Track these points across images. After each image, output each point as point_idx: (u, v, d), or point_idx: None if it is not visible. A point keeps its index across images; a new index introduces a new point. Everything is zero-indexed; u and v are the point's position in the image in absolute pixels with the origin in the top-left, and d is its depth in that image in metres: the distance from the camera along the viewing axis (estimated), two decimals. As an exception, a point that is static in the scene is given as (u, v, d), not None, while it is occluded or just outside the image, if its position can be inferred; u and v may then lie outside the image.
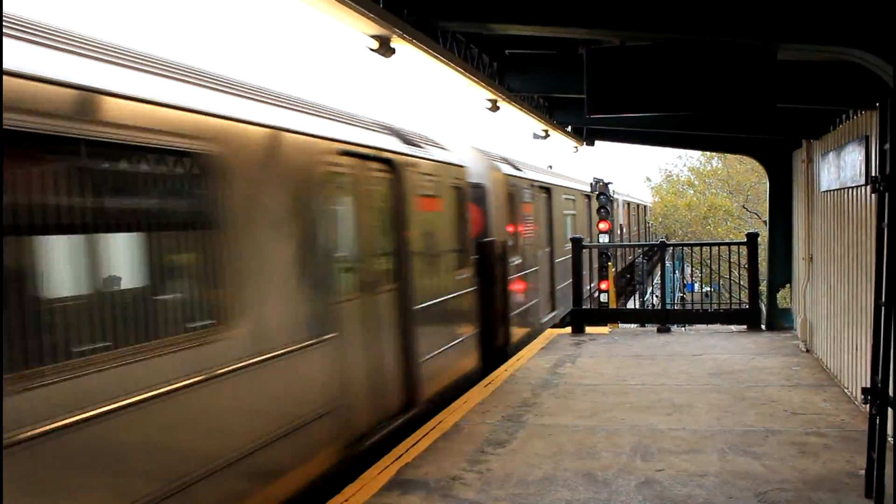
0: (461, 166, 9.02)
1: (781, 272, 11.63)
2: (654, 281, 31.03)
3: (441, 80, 6.92)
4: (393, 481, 5.54)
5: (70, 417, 3.26)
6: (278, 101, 5.36)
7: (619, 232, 23.76)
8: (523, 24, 5.48)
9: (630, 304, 24.59)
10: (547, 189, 14.06)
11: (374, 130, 6.84)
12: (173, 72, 4.35)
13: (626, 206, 27.17)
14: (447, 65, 6.22)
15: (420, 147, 7.84)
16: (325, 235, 5.59)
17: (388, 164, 6.79)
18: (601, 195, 19.92)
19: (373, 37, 5.15)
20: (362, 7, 4.56)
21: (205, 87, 4.56)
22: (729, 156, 35.30)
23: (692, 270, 27.92)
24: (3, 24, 3.17)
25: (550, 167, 17.96)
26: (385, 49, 5.25)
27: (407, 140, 7.59)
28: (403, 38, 5.20)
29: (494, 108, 8.26)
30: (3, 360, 2.99)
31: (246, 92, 4.99)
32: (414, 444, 6.39)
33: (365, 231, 6.32)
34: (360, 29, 5.00)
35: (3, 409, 2.91)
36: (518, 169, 12.25)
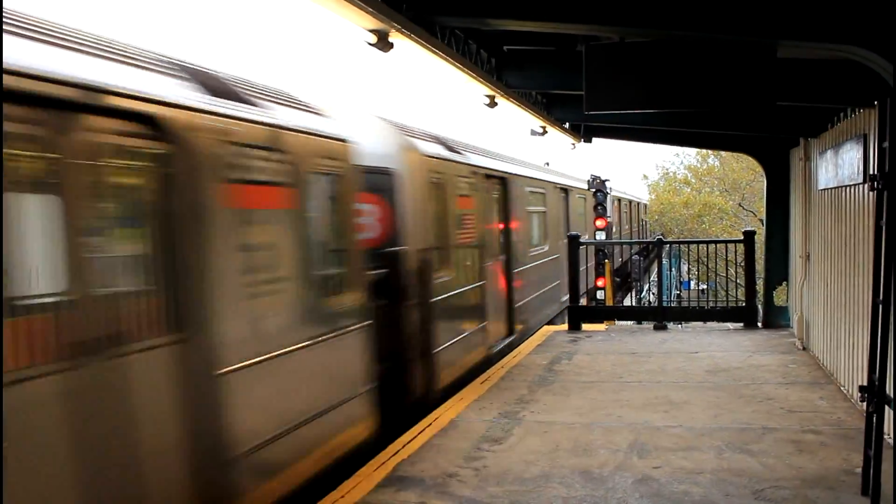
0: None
1: (778, 270, 11.63)
2: (651, 278, 31.05)
3: (439, 75, 6.89)
4: (389, 478, 5.53)
5: None
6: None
7: (614, 229, 23.78)
8: (522, 20, 5.45)
9: (626, 302, 24.61)
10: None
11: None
12: None
13: (617, 202, 27.17)
14: (445, 60, 6.19)
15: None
16: None
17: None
18: (598, 192, 19.94)
19: (371, 31, 5.13)
20: (361, 1, 4.54)
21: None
22: (725, 154, 35.34)
23: (689, 268, 27.93)
24: None
25: (547, 164, 17.95)
26: (383, 44, 5.23)
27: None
28: (402, 33, 5.17)
29: (492, 103, 8.23)
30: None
31: None
32: (410, 441, 6.38)
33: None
34: (359, 23, 4.98)
35: None
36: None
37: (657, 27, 5.09)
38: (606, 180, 20.35)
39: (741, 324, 11.95)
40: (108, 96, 3.66)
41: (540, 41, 7.54)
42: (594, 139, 12.81)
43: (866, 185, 6.21)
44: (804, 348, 9.77)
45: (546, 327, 12.72)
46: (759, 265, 13.53)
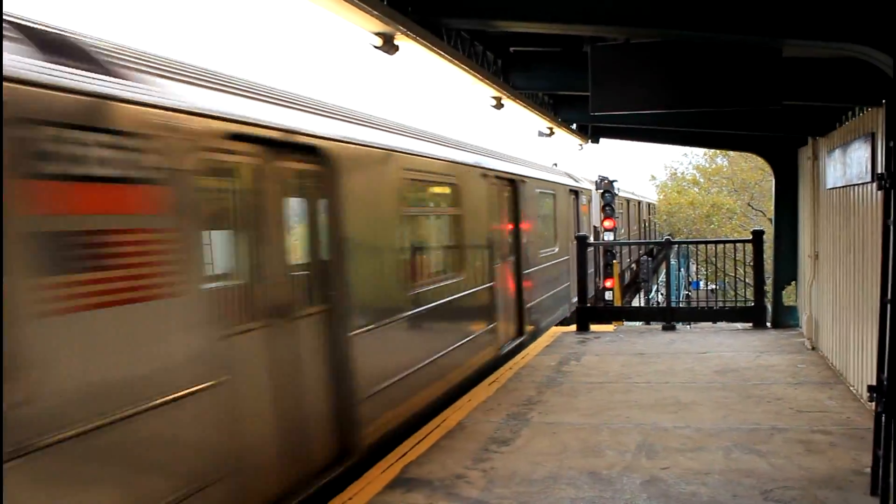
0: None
1: (787, 270, 11.59)
2: (660, 279, 31.01)
3: (445, 77, 6.90)
4: (397, 479, 5.55)
5: None
6: None
7: (623, 230, 23.77)
8: (528, 21, 5.46)
9: (634, 302, 24.58)
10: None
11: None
12: None
13: (627, 203, 27.17)
14: (451, 62, 6.21)
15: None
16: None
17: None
18: (606, 193, 19.92)
19: (377, 34, 5.15)
20: (367, 5, 4.56)
21: None
22: (734, 153, 35.24)
23: (697, 268, 27.86)
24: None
25: (555, 164, 17.96)
26: (389, 46, 5.24)
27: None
28: (407, 36, 5.19)
29: (499, 105, 8.25)
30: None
31: None
32: (418, 443, 6.39)
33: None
34: (365, 26, 5.00)
35: None
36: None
37: (662, 27, 5.08)
38: (614, 181, 20.34)
39: (750, 324, 11.91)
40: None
41: (546, 42, 7.54)
42: (602, 140, 12.79)
43: (874, 184, 6.20)
44: (813, 348, 9.73)
45: (554, 328, 12.73)
46: (769, 265, 13.49)
